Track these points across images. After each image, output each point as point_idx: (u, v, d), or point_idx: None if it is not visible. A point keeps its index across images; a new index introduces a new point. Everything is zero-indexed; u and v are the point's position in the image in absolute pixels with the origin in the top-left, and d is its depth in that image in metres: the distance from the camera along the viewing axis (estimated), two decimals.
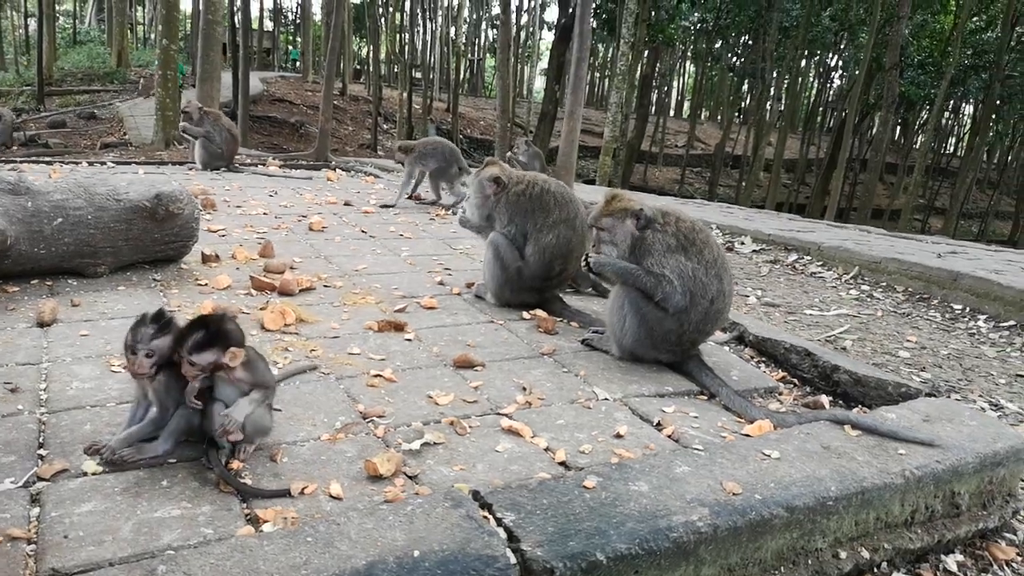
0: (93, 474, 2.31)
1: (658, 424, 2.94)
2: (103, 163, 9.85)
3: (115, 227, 4.19)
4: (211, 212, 6.37)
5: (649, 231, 3.55)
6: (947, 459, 2.73)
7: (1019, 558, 2.81)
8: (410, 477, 2.44)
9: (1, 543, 1.95)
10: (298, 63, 49.55)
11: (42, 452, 2.42)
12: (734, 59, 40.55)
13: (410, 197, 8.14)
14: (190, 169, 9.51)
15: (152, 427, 2.45)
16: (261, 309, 3.82)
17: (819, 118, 46.61)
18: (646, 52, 32.05)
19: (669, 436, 2.85)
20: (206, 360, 2.34)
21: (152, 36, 47.83)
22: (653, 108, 40.33)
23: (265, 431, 2.52)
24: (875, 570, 2.60)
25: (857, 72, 29.61)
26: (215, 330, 2.36)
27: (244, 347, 2.41)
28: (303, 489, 2.30)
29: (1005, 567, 2.75)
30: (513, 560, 1.99)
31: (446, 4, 45.25)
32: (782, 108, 35.77)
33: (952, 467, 2.72)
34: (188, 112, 9.30)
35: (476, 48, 57.67)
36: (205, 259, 4.72)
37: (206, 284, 4.33)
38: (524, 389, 3.17)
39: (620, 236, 3.60)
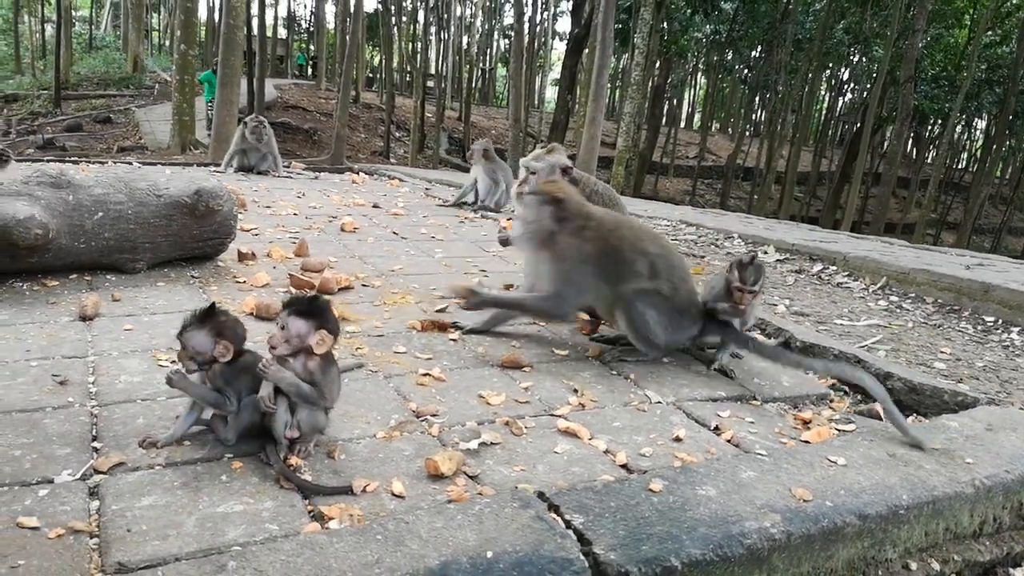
0: (149, 468, 2.26)
1: (716, 428, 2.88)
2: (129, 163, 9.86)
3: (155, 222, 4.16)
4: (242, 212, 6.34)
5: (565, 232, 3.49)
6: (1016, 469, 2.66)
7: None
8: (471, 477, 2.38)
9: (63, 535, 1.90)
10: (309, 69, 49.75)
11: (96, 445, 2.37)
12: (746, 71, 40.51)
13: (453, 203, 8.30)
14: (213, 172, 9.50)
15: (191, 420, 2.46)
16: None
17: (831, 131, 46.54)
18: (658, 63, 32.09)
19: (728, 441, 2.79)
20: (298, 329, 2.32)
21: (167, 43, 48.16)
22: (664, 119, 40.32)
23: (319, 429, 2.47)
24: None
25: (870, 85, 29.58)
26: (318, 306, 2.37)
27: (336, 338, 2.40)
28: (365, 487, 2.24)
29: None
30: (587, 564, 1.93)
31: (459, 14, 45.43)
32: (794, 120, 35.72)
33: (1021, 477, 2.65)
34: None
35: (488, 58, 57.81)
36: (241, 257, 4.68)
37: (244, 281, 4.28)
38: (575, 391, 3.11)
39: (533, 217, 3.54)
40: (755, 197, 34.56)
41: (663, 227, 10.47)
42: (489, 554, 1.89)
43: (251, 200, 6.99)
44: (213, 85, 17.82)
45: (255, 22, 24.04)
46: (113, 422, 2.52)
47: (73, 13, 41.60)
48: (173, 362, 3.02)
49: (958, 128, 40.70)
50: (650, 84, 31.86)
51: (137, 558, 1.84)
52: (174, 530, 1.96)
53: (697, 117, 58.16)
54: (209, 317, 2.42)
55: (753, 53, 39.40)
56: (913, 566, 2.44)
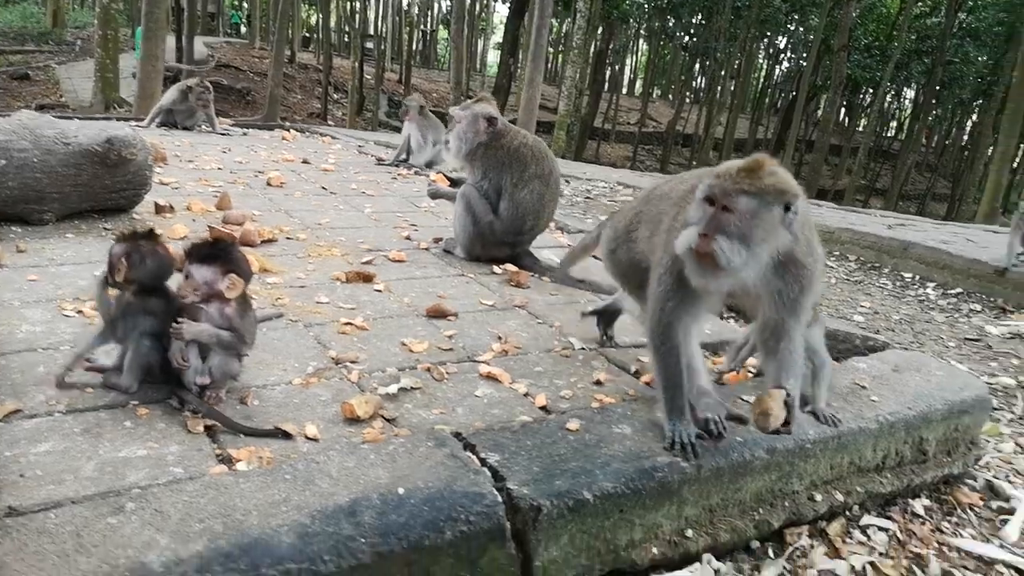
0: (48, 415, 2.17)
1: (636, 372, 2.93)
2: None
3: (63, 172, 3.95)
4: (162, 165, 6.09)
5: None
6: (918, 407, 2.77)
7: (980, 502, 2.89)
8: (388, 420, 2.37)
9: None
10: (242, 27, 48.00)
11: None
12: (687, 38, 40.75)
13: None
14: (135, 127, 9.10)
15: (99, 343, 2.38)
16: None
17: (768, 99, 47.36)
18: (600, 28, 32.03)
19: (647, 384, 2.83)
20: (204, 276, 2.24)
21: None
22: (607, 85, 40.37)
23: (232, 376, 2.41)
24: (847, 513, 2.64)
25: (806, 54, 30.16)
26: (224, 250, 2.29)
27: (247, 279, 2.34)
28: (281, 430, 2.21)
29: (968, 511, 2.82)
30: (500, 498, 1.94)
31: None
32: (733, 88, 36.20)
33: (922, 414, 2.77)
34: None
35: (429, 19, 56.67)
36: (159, 209, 4.51)
37: (161, 234, 4.11)
38: (499, 338, 3.11)
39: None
40: (694, 163, 35.04)
41: (601, 188, 10.54)
42: (401, 491, 1.89)
43: (172, 154, 6.71)
44: None
45: None
46: (11, 370, 2.41)
47: None
48: (79, 312, 2.92)
49: (888, 97, 41.89)
50: (592, 49, 31.78)
51: (30, 502, 1.77)
52: (71, 475, 1.90)
53: (639, 83, 58.36)
54: (138, 238, 2.37)
55: (694, 19, 39.59)
56: (818, 497, 2.53)
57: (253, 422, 2.26)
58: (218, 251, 2.30)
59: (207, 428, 2.19)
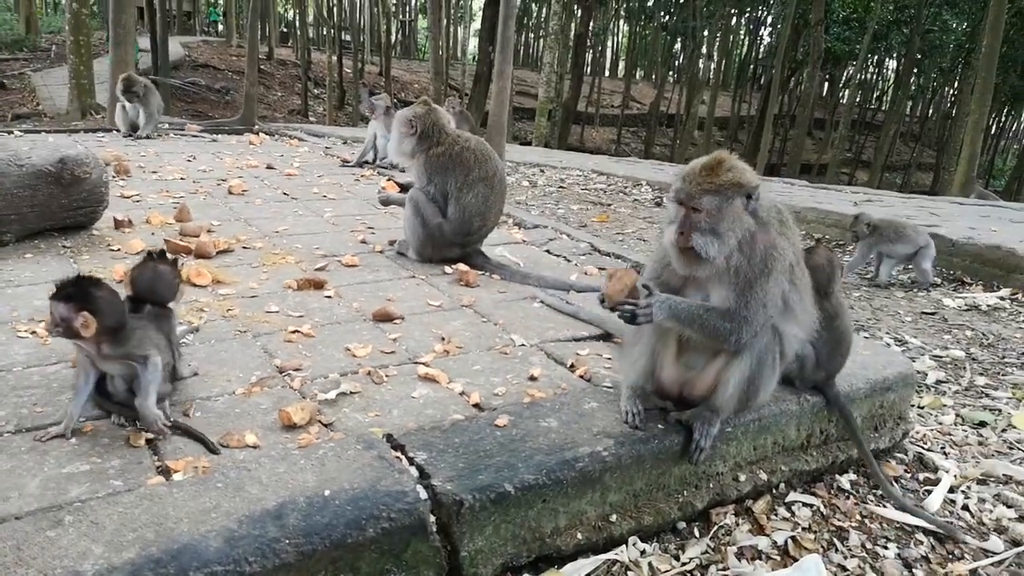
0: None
1: (571, 366, 3.04)
2: (9, 132, 9.39)
3: (18, 193, 4.04)
4: (125, 178, 6.16)
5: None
6: (839, 386, 2.90)
7: (907, 475, 3.03)
8: (325, 425, 2.48)
9: None
10: (220, 25, 47.64)
11: None
12: (666, 17, 40.60)
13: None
14: (103, 135, 9.15)
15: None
16: None
17: (750, 75, 47.31)
18: (579, 11, 31.91)
19: (581, 376, 2.95)
20: (61, 313, 2.25)
21: (63, 0, 45.21)
22: (588, 68, 40.25)
23: (162, 395, 2.45)
24: (773, 491, 2.77)
25: (779, 27, 30.13)
26: (81, 289, 2.28)
27: (107, 318, 2.30)
28: (222, 440, 2.32)
29: (894, 483, 2.95)
30: (424, 495, 2.06)
31: None
32: (713, 65, 36.16)
33: (844, 393, 2.89)
34: None
35: (407, 9, 56.32)
36: (118, 224, 4.60)
37: (119, 249, 4.22)
38: (442, 339, 3.22)
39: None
40: (678, 143, 35.08)
41: (575, 177, 10.62)
42: (326, 492, 2.01)
43: (136, 166, 6.77)
44: None
45: None
46: None
47: None
48: (33, 333, 3.02)
49: (869, 69, 41.89)
50: (572, 33, 31.66)
51: None
52: (15, 492, 2.00)
53: (621, 65, 58.16)
54: (146, 259, 2.65)
55: None
56: (742, 477, 2.66)
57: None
58: (79, 289, 2.29)
59: (148, 441, 2.30)
